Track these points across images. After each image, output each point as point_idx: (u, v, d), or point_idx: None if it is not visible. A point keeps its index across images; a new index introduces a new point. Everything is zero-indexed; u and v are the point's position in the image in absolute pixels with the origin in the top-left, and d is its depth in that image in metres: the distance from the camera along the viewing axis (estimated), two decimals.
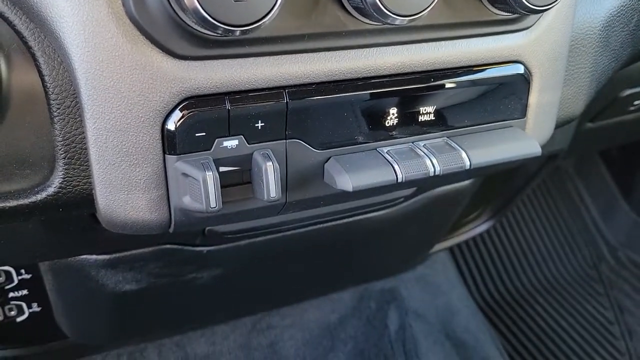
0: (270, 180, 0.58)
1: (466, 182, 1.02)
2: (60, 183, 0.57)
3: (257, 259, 0.93)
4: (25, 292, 0.93)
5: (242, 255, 0.89)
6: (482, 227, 1.44)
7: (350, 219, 0.92)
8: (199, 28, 0.52)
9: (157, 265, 0.83)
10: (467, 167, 0.66)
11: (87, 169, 0.57)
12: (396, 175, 0.63)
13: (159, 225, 0.60)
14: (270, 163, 0.58)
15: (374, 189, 0.64)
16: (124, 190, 0.58)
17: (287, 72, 0.58)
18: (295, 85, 0.59)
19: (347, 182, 0.61)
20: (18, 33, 0.52)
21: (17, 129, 0.54)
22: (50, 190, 0.57)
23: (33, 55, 0.52)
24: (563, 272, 1.89)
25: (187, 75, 0.55)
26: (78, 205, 0.59)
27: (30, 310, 0.95)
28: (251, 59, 0.56)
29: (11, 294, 0.93)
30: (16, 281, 0.92)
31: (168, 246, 0.81)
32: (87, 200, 0.59)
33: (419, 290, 1.48)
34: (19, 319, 0.95)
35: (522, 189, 1.36)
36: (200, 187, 0.56)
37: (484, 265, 1.76)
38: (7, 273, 0.91)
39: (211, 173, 0.56)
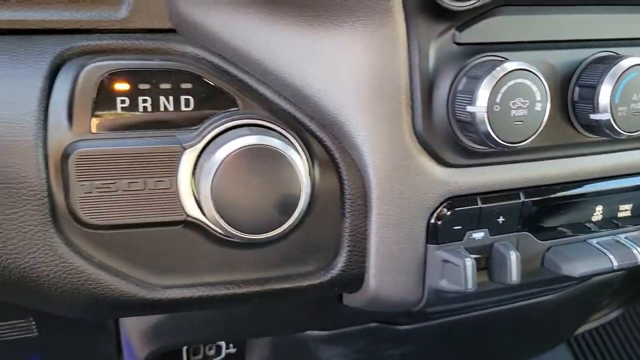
0: (513, 266, 0.69)
1: None
2: (342, 267, 0.69)
3: (438, 339, 1.02)
4: None
5: (428, 334, 0.98)
6: (612, 315, 1.49)
7: (522, 302, 1.00)
8: (472, 144, 0.66)
9: (365, 342, 0.93)
10: None
11: (364, 256, 0.69)
12: (612, 264, 0.73)
13: (414, 302, 0.72)
14: (513, 252, 0.69)
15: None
16: (392, 274, 0.70)
17: (525, 176, 0.71)
18: (529, 187, 0.71)
19: (573, 268, 0.72)
20: (326, 148, 0.66)
21: (317, 223, 0.67)
22: (334, 272, 0.69)
23: (337, 166, 0.66)
24: None
25: (452, 180, 0.68)
26: (346, 286, 0.71)
27: None
28: (500, 166, 0.69)
29: None
30: (223, 354, 1.02)
31: (376, 324, 0.92)
32: (356, 281, 0.70)
33: None
34: None
35: None
36: (461, 271, 0.67)
37: (592, 351, 1.77)
38: (217, 347, 1.02)
39: (470, 260, 0.67)
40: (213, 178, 0.57)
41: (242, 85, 0.65)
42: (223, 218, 0.58)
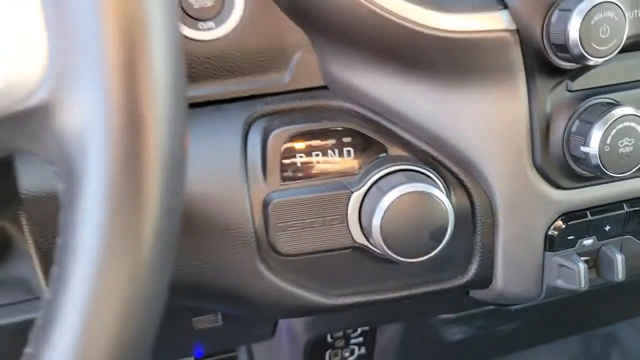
0: (619, 267, 0.83)
1: None
2: (474, 273, 0.85)
3: (544, 314, 1.18)
4: (360, 339, 1.23)
5: (535, 311, 1.14)
6: None
7: None
8: (583, 172, 0.79)
9: (483, 321, 1.10)
10: None
11: (492, 263, 0.84)
12: None
13: (533, 297, 0.87)
14: (618, 254, 0.83)
15: None
16: (516, 277, 0.85)
17: (628, 190, 0.83)
18: (631, 199, 0.84)
19: None
20: (459, 180, 0.81)
21: (454, 240, 0.81)
22: (467, 277, 0.85)
23: (469, 193, 0.81)
24: None
25: (565, 200, 0.82)
26: (476, 286, 0.87)
27: (358, 353, 1.25)
28: (607, 184, 0.82)
29: (352, 340, 1.23)
30: (359, 331, 1.23)
31: (493, 307, 1.08)
32: (485, 282, 0.86)
33: (636, 334, 1.64)
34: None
35: None
36: (575, 274, 0.82)
37: None
38: None
39: (582, 265, 0.81)
40: (382, 218, 0.73)
41: (390, 134, 0.81)
42: (388, 247, 0.74)
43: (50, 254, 0.75)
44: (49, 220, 0.75)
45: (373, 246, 0.80)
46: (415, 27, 0.73)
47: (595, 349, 1.64)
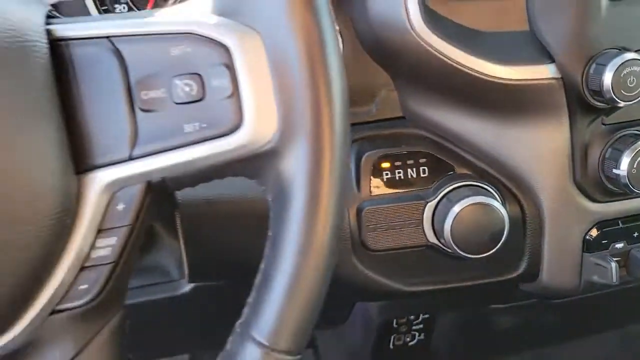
0: None
1: None
2: (523, 269, 1.04)
3: (579, 307, 1.36)
4: (421, 326, 1.43)
5: (571, 305, 1.32)
6: None
7: None
8: (615, 189, 0.97)
9: (527, 311, 1.29)
10: None
11: (539, 262, 1.03)
12: None
13: (573, 291, 1.06)
14: None
15: None
16: (558, 273, 1.04)
17: None
18: None
19: None
20: (513, 193, 1.00)
21: (507, 242, 1.01)
22: (517, 272, 1.04)
23: (520, 204, 1.01)
24: None
25: (600, 211, 1.00)
26: (525, 281, 1.06)
27: (418, 338, 1.45)
28: (636, 199, 1.00)
29: (414, 326, 1.44)
30: (420, 318, 1.43)
31: (536, 300, 1.27)
32: (533, 278, 1.05)
33: None
34: (410, 344, 1.46)
35: None
36: (608, 271, 1.00)
37: None
38: None
39: (614, 263, 1.00)
40: (452, 222, 0.94)
41: (457, 156, 1.01)
42: (456, 246, 0.95)
43: (197, 247, 0.99)
44: (197, 220, 0.97)
45: (443, 245, 1.00)
46: (479, 75, 0.93)
47: (633, 346, 1.79)
